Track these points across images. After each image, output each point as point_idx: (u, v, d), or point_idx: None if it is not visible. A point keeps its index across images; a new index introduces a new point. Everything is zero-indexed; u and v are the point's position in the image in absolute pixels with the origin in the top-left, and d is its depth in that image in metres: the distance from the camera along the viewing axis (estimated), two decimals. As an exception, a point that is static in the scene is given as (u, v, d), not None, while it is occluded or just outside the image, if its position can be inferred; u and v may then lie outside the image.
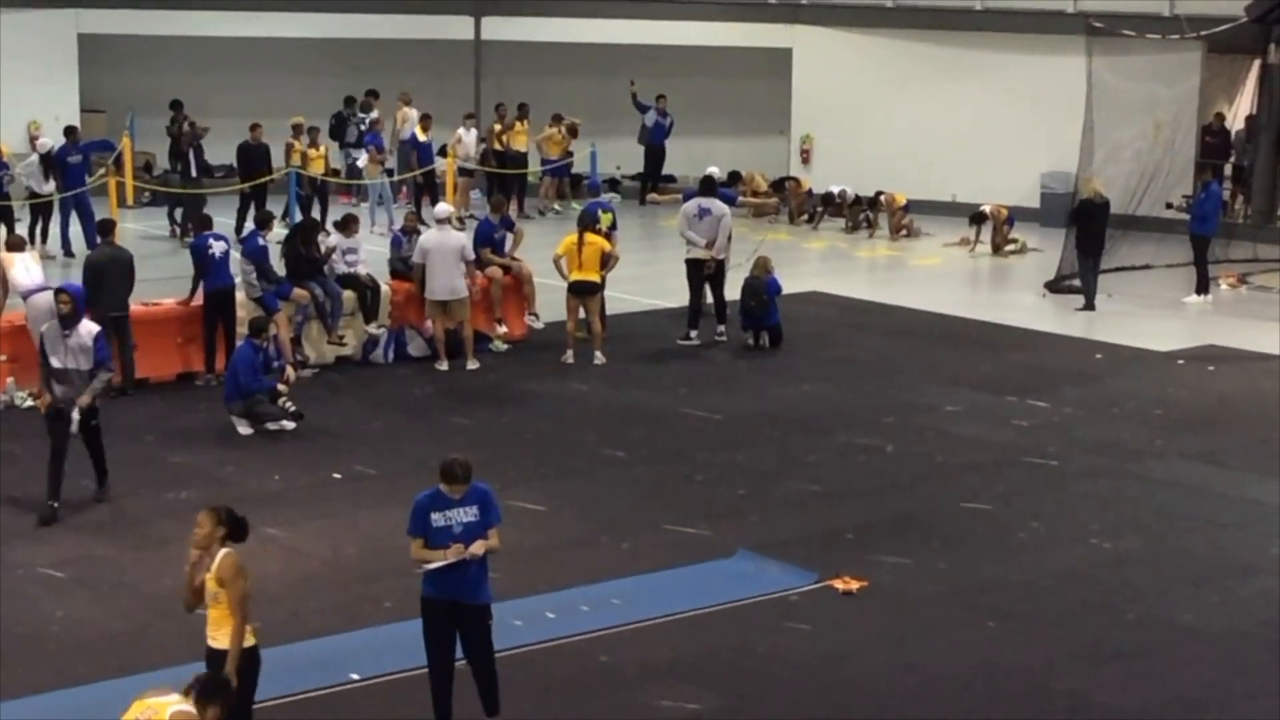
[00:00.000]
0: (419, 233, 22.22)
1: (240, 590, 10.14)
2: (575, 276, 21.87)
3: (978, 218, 30.40)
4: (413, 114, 32.46)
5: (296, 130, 30.61)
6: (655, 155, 35.14)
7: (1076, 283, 26.18)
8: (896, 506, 16.48)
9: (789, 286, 23.86)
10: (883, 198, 31.92)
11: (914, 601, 14.00)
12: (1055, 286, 26.73)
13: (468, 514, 11.13)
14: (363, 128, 32.33)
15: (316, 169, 30.56)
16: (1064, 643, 13.19)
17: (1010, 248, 30.26)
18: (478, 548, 11.04)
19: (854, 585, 14.16)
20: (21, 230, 25.06)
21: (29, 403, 19.38)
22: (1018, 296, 26.84)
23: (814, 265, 29.19)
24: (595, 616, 13.51)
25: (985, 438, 18.79)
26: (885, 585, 14.24)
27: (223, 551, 10.27)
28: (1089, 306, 25.53)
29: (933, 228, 31.84)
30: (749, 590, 14.15)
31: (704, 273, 23.06)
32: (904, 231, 31.67)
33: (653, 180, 35.13)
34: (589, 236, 22.12)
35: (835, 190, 32.78)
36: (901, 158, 32.77)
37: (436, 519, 11.10)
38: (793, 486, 17.03)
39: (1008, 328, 24.39)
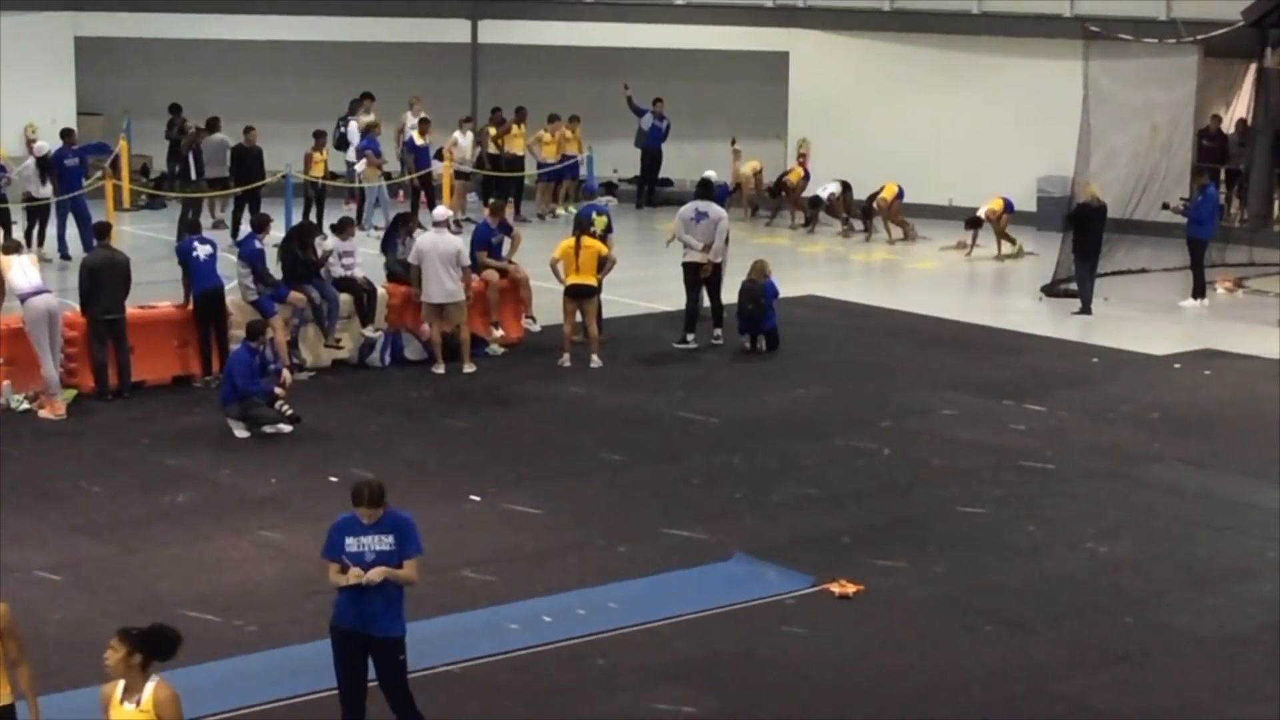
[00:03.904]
0: (414, 236, 22.23)
1: None
2: (572, 280, 21.87)
3: (973, 222, 30.39)
4: (412, 118, 32.44)
5: (318, 138, 30.76)
6: (652, 159, 35.14)
7: (1073, 286, 26.18)
8: (893, 510, 16.48)
9: (786, 290, 23.85)
10: (875, 203, 31.84)
11: (911, 606, 14.00)
12: (1052, 290, 26.74)
13: (382, 542, 10.73)
14: (343, 129, 32.28)
15: (317, 172, 30.58)
16: (1061, 647, 13.19)
17: (1008, 249, 30.20)
18: (376, 574, 10.62)
19: (850, 589, 14.16)
20: (18, 233, 25.07)
21: (25, 406, 19.40)
22: (1014, 300, 26.85)
23: (811, 269, 29.17)
24: (592, 620, 13.50)
25: (982, 441, 18.79)
26: (882, 589, 14.23)
27: (152, 683, 9.08)
28: (1085, 310, 25.53)
29: (929, 231, 31.83)
30: (746, 594, 14.14)
31: (700, 276, 23.06)
32: (903, 232, 31.63)
33: (649, 184, 35.14)
34: (586, 240, 22.12)
35: (823, 194, 32.67)
36: (898, 161, 32.72)
37: (350, 544, 10.73)
38: (790, 490, 17.03)
39: (1004, 331, 24.40)
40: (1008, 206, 30.62)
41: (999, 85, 33.17)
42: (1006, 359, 22.84)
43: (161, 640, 9.10)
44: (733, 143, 34.08)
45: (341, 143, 32.02)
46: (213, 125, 30.32)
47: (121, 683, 9.06)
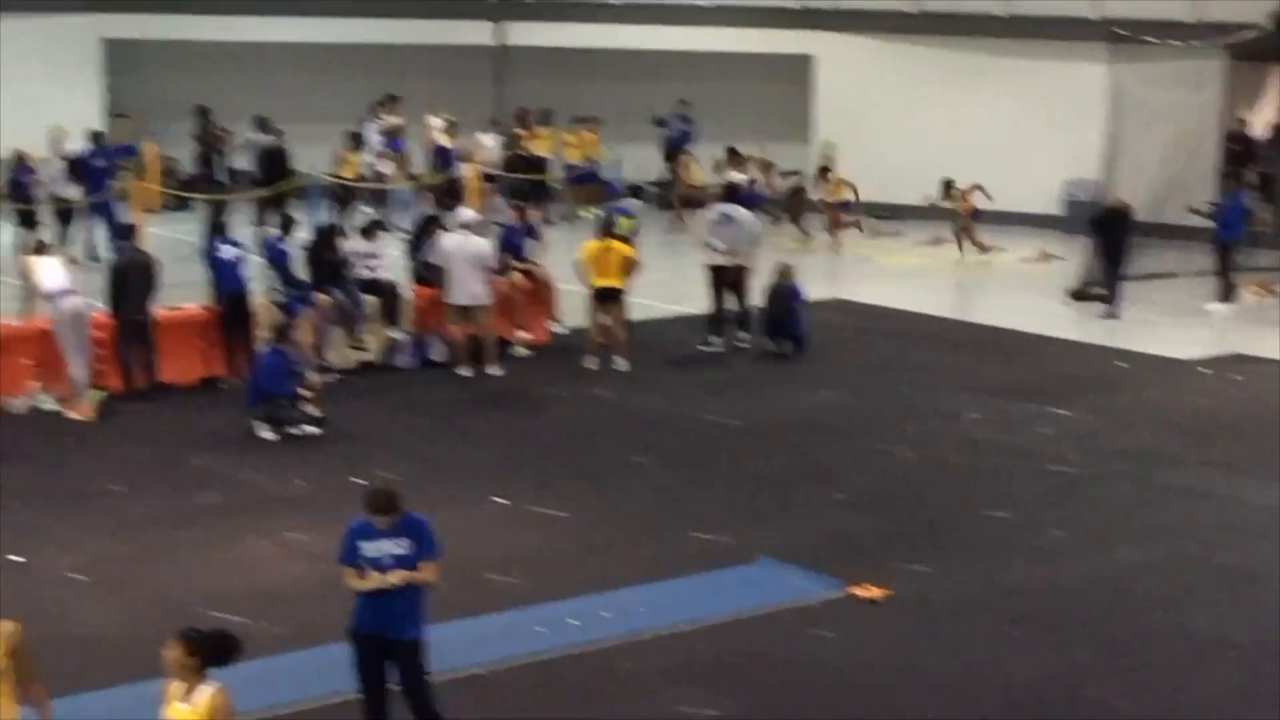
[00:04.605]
0: (439, 237, 22.25)
1: None
2: (598, 282, 21.89)
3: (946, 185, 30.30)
4: (437, 120, 32.50)
5: (352, 139, 30.86)
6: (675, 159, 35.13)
7: (1100, 290, 26.12)
8: (918, 513, 16.45)
9: (812, 293, 23.82)
10: (819, 199, 31.49)
11: (936, 609, 13.97)
12: (1078, 294, 26.67)
13: (398, 546, 10.71)
14: (363, 131, 32.35)
15: (348, 173, 30.66)
16: (1086, 651, 13.15)
17: (971, 254, 29.93)
18: (395, 577, 10.65)
19: (875, 593, 14.13)
20: (47, 235, 25.16)
21: (53, 407, 19.46)
22: (1040, 303, 26.77)
23: (836, 271, 29.14)
24: (617, 623, 13.49)
25: (1008, 445, 18.76)
26: (907, 592, 14.21)
27: (211, 687, 9.08)
28: (1112, 314, 25.48)
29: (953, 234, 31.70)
30: (770, 597, 14.13)
31: (725, 279, 23.06)
32: (841, 230, 31.28)
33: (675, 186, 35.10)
34: (612, 242, 22.14)
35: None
36: (924, 164, 32.68)
37: (367, 549, 10.73)
38: (814, 493, 17.02)
39: (1030, 335, 24.35)
40: (976, 213, 30.43)
41: (1025, 88, 33.11)
42: (1032, 362, 22.80)
43: (219, 646, 9.15)
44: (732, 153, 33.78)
45: (361, 144, 32.08)
46: (263, 126, 30.46)
47: (179, 681, 9.08)
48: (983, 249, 30.29)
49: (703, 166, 33.66)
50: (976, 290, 27.82)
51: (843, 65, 34.85)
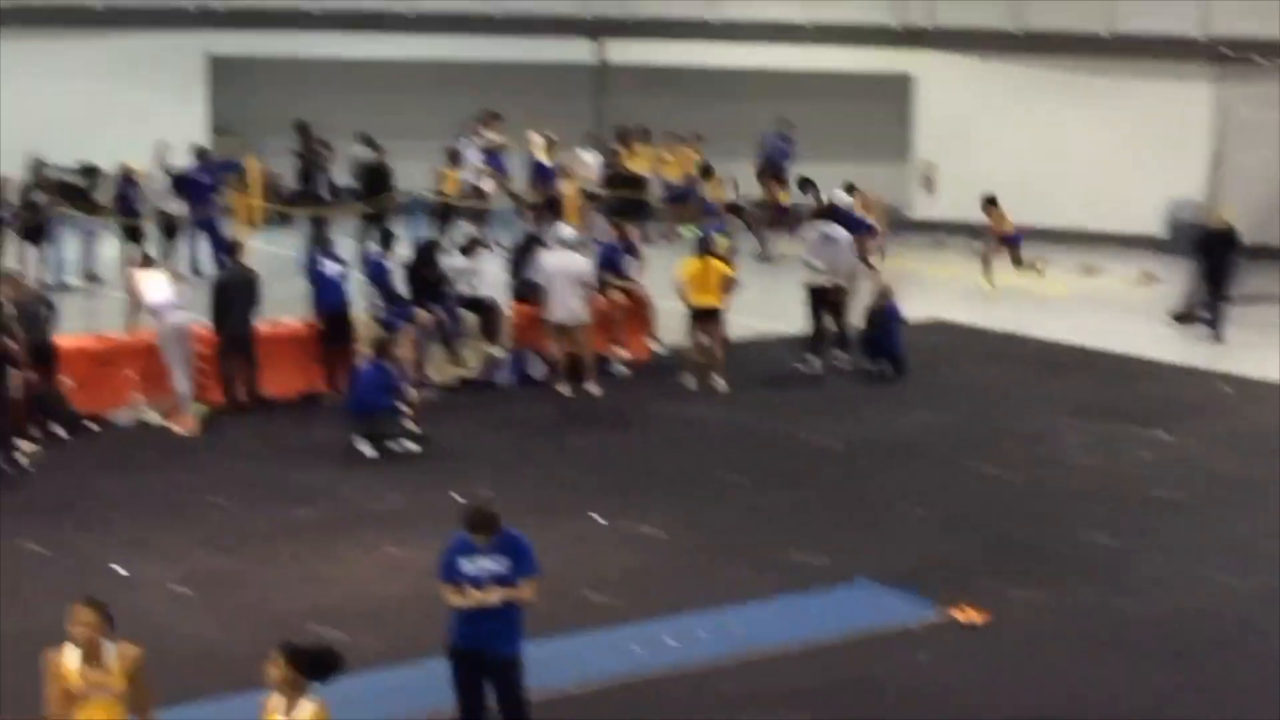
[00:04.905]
0: (539, 255, 22.32)
1: None
2: (696, 301, 21.88)
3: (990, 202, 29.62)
4: (538, 137, 32.61)
5: (451, 156, 31.02)
6: (776, 179, 35.05)
7: (1203, 312, 25.85)
8: (1019, 537, 16.33)
9: (911, 314, 23.72)
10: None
11: (1036, 634, 13.87)
12: (1181, 316, 26.40)
13: (497, 563, 10.78)
14: (461, 148, 32.49)
15: (450, 189, 30.81)
16: (1187, 679, 13.03)
17: (985, 277, 29.26)
18: (493, 595, 10.73)
19: (975, 617, 14.05)
20: (152, 250, 25.41)
21: (157, 420, 19.66)
22: (1143, 326, 26.47)
23: (936, 292, 28.95)
24: (714, 643, 13.50)
25: (1109, 469, 18.60)
26: (1006, 617, 14.11)
27: (312, 704, 9.11)
28: (1217, 337, 25.21)
29: (1057, 256, 31.40)
30: (868, 620, 14.09)
31: (824, 299, 23.00)
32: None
33: (774, 206, 35.00)
34: (710, 261, 22.14)
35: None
36: (1025, 184, 32.46)
37: (466, 566, 10.80)
38: (913, 515, 16.94)
39: (1133, 358, 24.11)
40: (1013, 239, 29.65)
41: (1129, 108, 32.82)
42: (1135, 385, 22.58)
43: (321, 661, 9.18)
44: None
45: (460, 160, 32.19)
46: (369, 143, 30.70)
47: (280, 695, 9.13)
48: (1026, 267, 29.69)
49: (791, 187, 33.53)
50: (1077, 312, 27.52)
51: (943, 84, 34.68)
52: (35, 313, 19.28)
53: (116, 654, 9.44)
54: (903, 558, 15.61)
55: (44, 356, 19.03)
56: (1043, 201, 32.18)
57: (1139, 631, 13.98)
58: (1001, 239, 29.68)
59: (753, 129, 34.77)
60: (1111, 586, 15.01)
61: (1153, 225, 32.44)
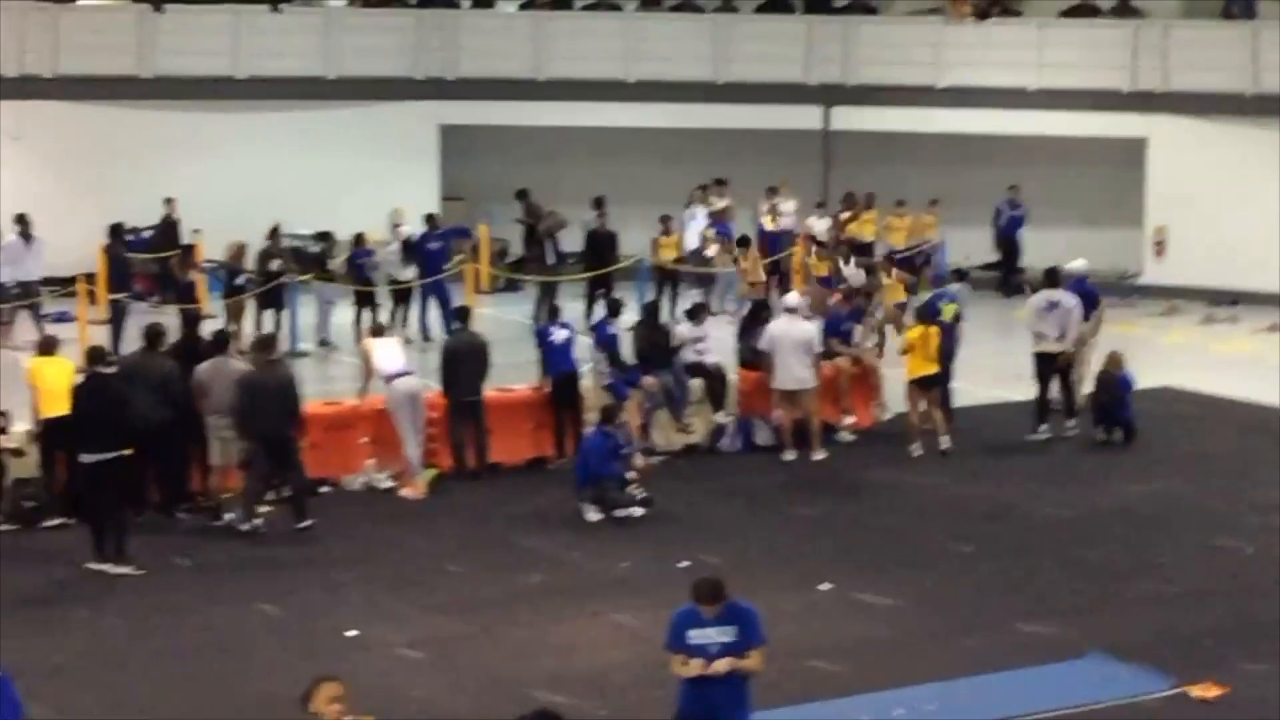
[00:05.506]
0: (766, 321, 22.33)
1: None
2: (918, 369, 21.74)
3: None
4: (781, 204, 32.81)
5: (664, 222, 31.26)
6: (1009, 246, 34.79)
7: None
8: (1258, 611, 15.89)
9: (1141, 380, 23.30)
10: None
11: (1275, 710, 13.48)
12: None
13: (725, 634, 10.86)
14: (687, 215, 32.64)
15: (666, 255, 30.98)
16: None
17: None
18: (722, 665, 10.76)
19: (1213, 693, 13.71)
20: (384, 316, 25.91)
21: (388, 484, 19.97)
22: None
23: (1165, 359, 28.38)
24: (943, 714, 13.37)
25: (1354, 542, 18.04)
26: (1247, 694, 13.74)
27: None
28: None
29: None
30: (1101, 694, 13.80)
31: (1053, 365, 22.71)
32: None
33: (1008, 271, 34.71)
34: (932, 329, 22.00)
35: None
36: (1260, 249, 31.84)
37: (694, 636, 10.88)
38: (1147, 587, 16.60)
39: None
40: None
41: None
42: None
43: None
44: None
45: (684, 226, 32.34)
46: (598, 205, 31.07)
47: None
48: None
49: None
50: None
51: (1176, 148, 34.11)
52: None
53: None
54: (1137, 631, 15.29)
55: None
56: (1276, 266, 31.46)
57: (1387, 712, 13.55)
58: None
59: (982, 194, 34.53)
60: (1356, 664, 14.56)
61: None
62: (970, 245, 34.73)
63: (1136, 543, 18.11)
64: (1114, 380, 22.51)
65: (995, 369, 25.48)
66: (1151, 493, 20.12)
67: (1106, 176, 35.21)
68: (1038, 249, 33.40)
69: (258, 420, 18.21)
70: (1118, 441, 22.33)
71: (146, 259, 30.41)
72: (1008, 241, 34.87)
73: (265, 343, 19.99)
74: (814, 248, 28.08)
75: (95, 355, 18.24)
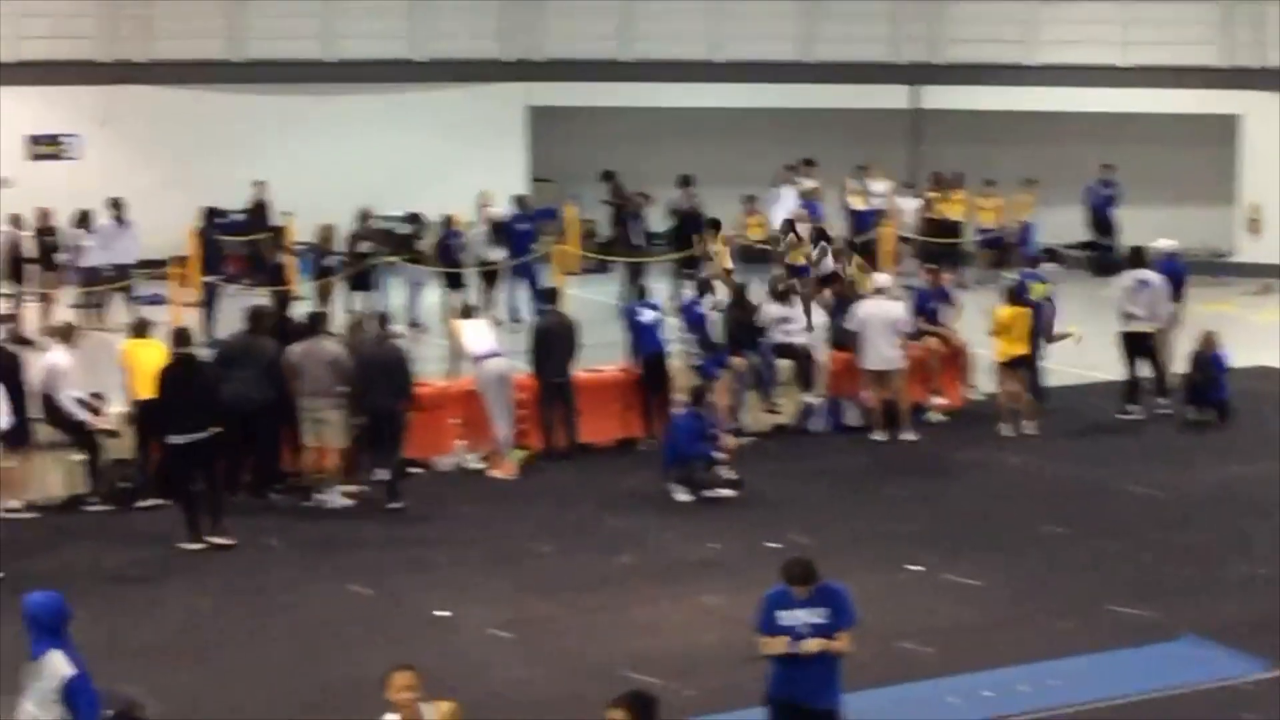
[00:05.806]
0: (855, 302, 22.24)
1: None
2: (1008, 349, 21.61)
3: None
4: (873, 185, 32.69)
5: (748, 202, 31.17)
6: (1102, 224, 34.48)
7: None
8: (1355, 593, 15.72)
9: (1235, 359, 23.05)
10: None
11: (1373, 695, 13.35)
12: None
13: (816, 615, 10.81)
14: (775, 195, 32.50)
15: (754, 235, 30.89)
16: None
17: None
18: (811, 645, 10.72)
19: (1308, 675, 13.59)
20: (472, 296, 25.97)
21: (478, 465, 20.05)
22: None
23: (1260, 338, 28.06)
24: (1034, 697, 13.29)
25: None
26: (1342, 677, 13.61)
27: None
28: None
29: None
30: (1195, 677, 13.71)
31: (1142, 345, 22.53)
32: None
33: (1100, 250, 34.37)
34: (1020, 309, 21.86)
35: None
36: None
37: (784, 617, 10.84)
38: (1243, 569, 16.44)
39: None
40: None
41: None
42: None
43: (654, 713, 9.16)
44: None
45: (771, 206, 32.21)
46: (685, 183, 31.02)
47: None
48: None
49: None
50: None
51: (1271, 125, 33.69)
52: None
53: (435, 712, 9.62)
54: (1232, 613, 15.15)
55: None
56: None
57: None
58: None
59: (1072, 173, 34.18)
60: None
61: None
62: (1060, 224, 34.45)
63: (1231, 524, 17.94)
64: (1208, 360, 22.30)
65: (1086, 348, 25.23)
66: (1246, 474, 19.91)
67: (1199, 154, 34.80)
68: (1130, 228, 33.07)
69: (370, 397, 18.39)
70: (1211, 421, 22.12)
71: (238, 241, 30.60)
72: (1102, 221, 34.54)
73: (379, 320, 20.48)
74: (789, 235, 27.68)
75: (182, 337, 18.43)
